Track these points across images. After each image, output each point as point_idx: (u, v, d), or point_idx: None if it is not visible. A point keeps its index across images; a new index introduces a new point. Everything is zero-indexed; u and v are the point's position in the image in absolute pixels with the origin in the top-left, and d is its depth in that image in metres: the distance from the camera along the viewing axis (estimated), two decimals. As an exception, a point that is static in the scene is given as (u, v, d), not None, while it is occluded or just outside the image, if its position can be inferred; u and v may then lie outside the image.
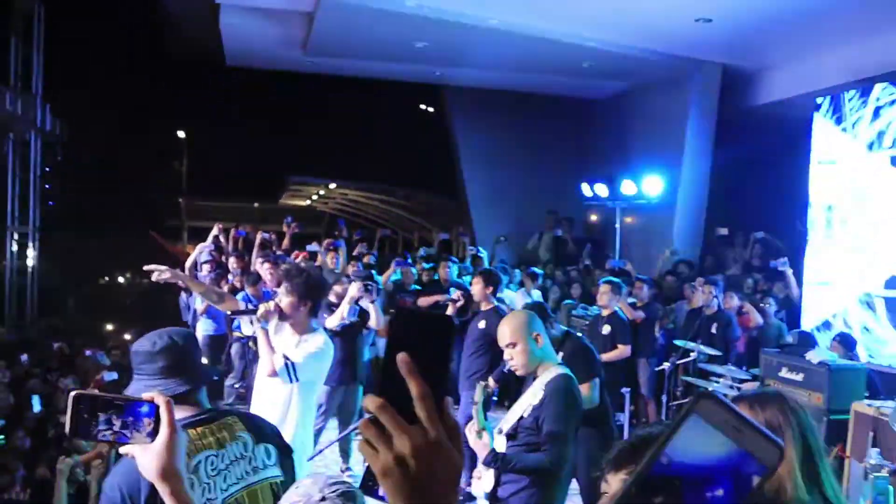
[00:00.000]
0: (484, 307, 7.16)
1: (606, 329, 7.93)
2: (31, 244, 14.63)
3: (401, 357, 0.93)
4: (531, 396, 3.68)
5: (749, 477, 0.76)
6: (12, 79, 14.17)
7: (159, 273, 4.63)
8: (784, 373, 6.63)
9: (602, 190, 13.27)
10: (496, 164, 15.76)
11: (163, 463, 1.47)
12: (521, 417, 3.66)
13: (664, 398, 8.28)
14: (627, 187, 12.77)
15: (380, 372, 0.98)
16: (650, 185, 12.65)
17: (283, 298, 4.53)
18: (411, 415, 0.93)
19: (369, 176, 23.81)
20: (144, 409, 1.49)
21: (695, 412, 0.78)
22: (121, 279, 25.09)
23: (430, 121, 20.61)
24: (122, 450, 1.52)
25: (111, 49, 20.51)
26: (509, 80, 14.64)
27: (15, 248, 14.69)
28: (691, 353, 8.22)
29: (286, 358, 4.33)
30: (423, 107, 21.64)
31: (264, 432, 2.59)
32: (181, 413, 2.37)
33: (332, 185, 26.62)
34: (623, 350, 7.88)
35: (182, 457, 1.52)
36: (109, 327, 12.83)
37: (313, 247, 10.66)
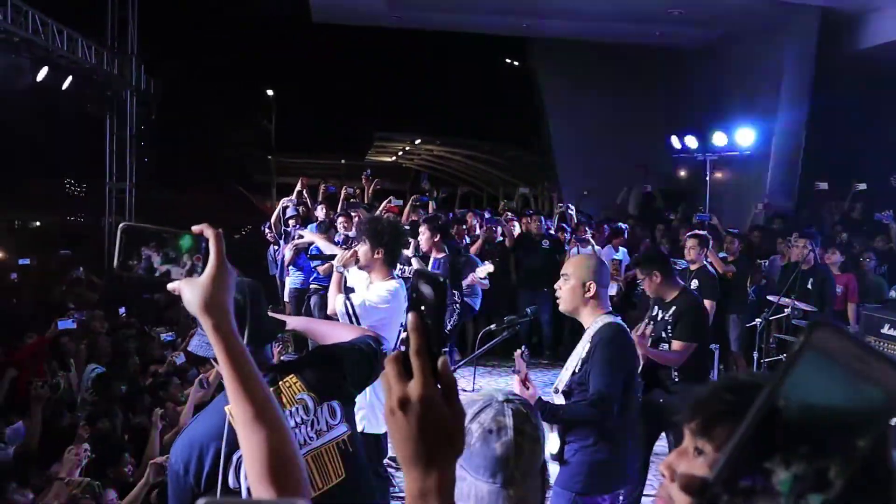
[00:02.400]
0: (435, 255, 6.98)
1: (694, 283, 7.73)
2: (127, 200, 15.12)
3: (410, 315, 1.02)
4: (581, 349, 3.61)
5: (877, 409, 0.67)
6: (109, 40, 14.57)
7: None
8: (887, 329, 6.36)
9: (692, 142, 12.89)
10: (582, 116, 15.48)
11: (207, 295, 1.39)
12: (574, 373, 3.58)
13: (755, 355, 8.05)
14: (718, 139, 12.36)
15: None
16: (742, 137, 12.21)
17: (359, 248, 4.57)
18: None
19: (454, 131, 23.72)
20: (195, 242, 1.42)
21: (811, 344, 0.69)
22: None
23: (516, 74, 20.35)
24: (169, 286, 1.45)
25: (201, 8, 20.85)
26: (596, 31, 14.30)
27: (113, 203, 15.20)
28: (785, 309, 7.96)
29: (348, 300, 4.34)
30: (508, 60, 21.39)
31: (327, 387, 2.48)
32: None
33: (417, 141, 26.65)
34: (710, 305, 7.67)
35: (230, 291, 1.43)
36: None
37: (397, 201, 10.69)
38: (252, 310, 2.37)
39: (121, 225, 1.43)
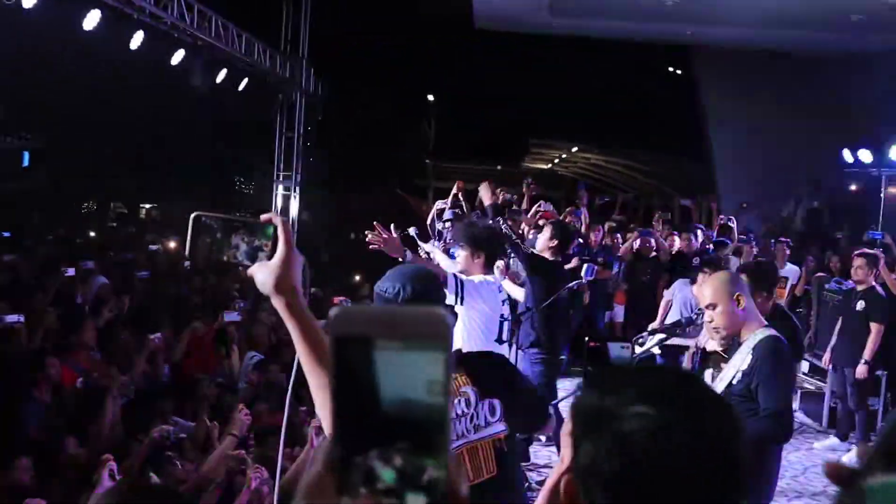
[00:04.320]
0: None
1: (860, 305, 7.32)
2: (293, 198, 15.77)
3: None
4: (739, 361, 3.54)
5: None
6: (283, 44, 15.30)
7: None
8: None
9: (866, 156, 12.18)
10: (747, 127, 14.91)
11: (278, 277, 1.49)
12: (731, 384, 3.52)
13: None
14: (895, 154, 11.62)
15: None
16: (924, 152, 11.43)
17: (458, 253, 4.69)
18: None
19: (612, 139, 23.39)
20: (267, 230, 1.54)
21: None
22: (369, 234, 26.45)
23: (678, 83, 19.86)
24: (249, 271, 1.55)
25: (369, 12, 21.55)
26: (765, 38, 13.74)
27: (280, 201, 15.89)
28: (964, 337, 7.39)
29: (457, 276, 4.45)
30: (671, 69, 20.89)
31: (491, 385, 2.50)
32: None
33: (574, 149, 26.46)
34: (877, 329, 7.22)
35: (298, 274, 1.53)
36: (357, 278, 13.63)
37: (547, 205, 10.66)
38: (433, 298, 2.46)
39: (192, 215, 1.57)
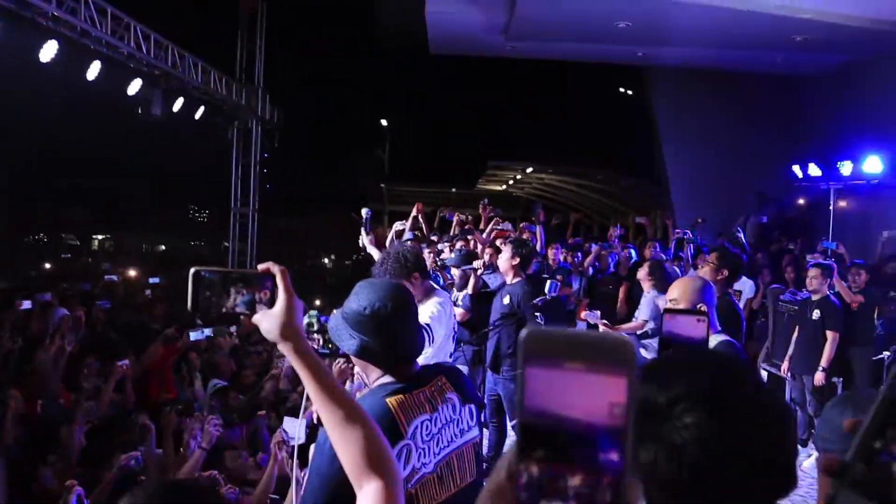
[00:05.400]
0: (511, 279, 6.75)
1: (816, 314, 7.52)
2: (250, 225, 15.71)
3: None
4: None
5: None
6: (238, 72, 15.28)
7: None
8: None
9: (815, 171, 12.51)
10: (699, 144, 15.22)
11: (282, 324, 1.55)
12: None
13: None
14: (843, 168, 11.95)
15: None
16: (870, 165, 11.78)
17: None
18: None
19: (566, 160, 23.69)
20: (264, 280, 1.58)
21: None
22: (325, 260, 26.38)
23: (630, 103, 20.23)
24: (253, 319, 1.60)
25: (324, 42, 21.63)
26: (714, 58, 14.08)
27: (237, 228, 15.82)
28: (914, 344, 7.63)
29: (428, 326, 4.50)
30: (622, 89, 21.27)
31: (467, 391, 2.53)
32: (388, 379, 2.40)
33: (529, 170, 26.72)
34: (833, 336, 7.43)
35: (301, 318, 1.58)
36: (318, 302, 13.62)
37: (505, 225, 10.76)
38: (410, 320, 2.48)
39: (192, 270, 1.63)
